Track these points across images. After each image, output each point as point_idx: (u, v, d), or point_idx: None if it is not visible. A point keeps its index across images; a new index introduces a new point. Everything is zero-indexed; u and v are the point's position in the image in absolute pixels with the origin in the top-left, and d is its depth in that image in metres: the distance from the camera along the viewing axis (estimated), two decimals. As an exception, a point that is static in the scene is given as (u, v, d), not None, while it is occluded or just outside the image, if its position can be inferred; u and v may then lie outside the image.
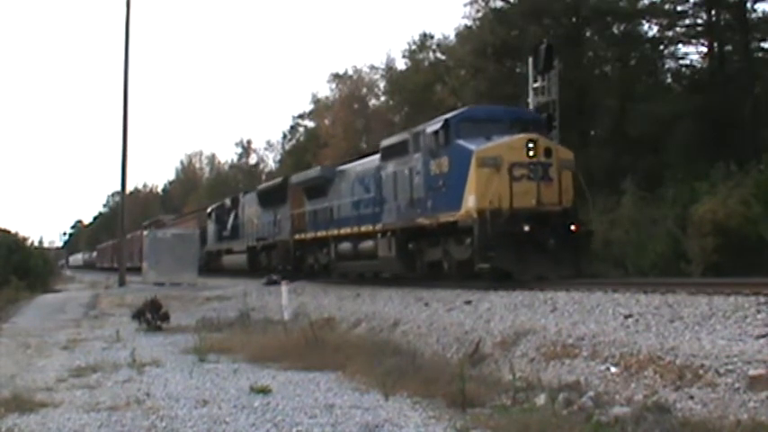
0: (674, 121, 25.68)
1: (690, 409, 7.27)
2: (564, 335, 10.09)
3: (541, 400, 8.05)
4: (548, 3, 29.28)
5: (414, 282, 18.65)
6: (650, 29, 30.87)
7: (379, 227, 19.36)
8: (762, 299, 9.59)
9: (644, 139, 27.08)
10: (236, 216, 36.21)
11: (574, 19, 30.38)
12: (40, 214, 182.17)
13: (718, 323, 9.03)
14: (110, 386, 9.90)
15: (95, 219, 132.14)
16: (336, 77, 56.22)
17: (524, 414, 7.52)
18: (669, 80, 31.42)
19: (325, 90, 68.78)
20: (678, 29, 29.15)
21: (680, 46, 30.13)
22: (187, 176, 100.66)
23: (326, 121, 56.76)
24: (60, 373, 10.98)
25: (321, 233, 23.31)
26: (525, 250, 14.93)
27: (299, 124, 68.87)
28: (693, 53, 30.18)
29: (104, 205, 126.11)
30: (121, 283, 33.96)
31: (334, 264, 22.89)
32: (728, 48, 28.16)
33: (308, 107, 65.11)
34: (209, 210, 43.25)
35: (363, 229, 20.24)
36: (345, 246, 21.57)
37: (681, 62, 30.71)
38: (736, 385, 7.25)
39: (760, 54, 27.75)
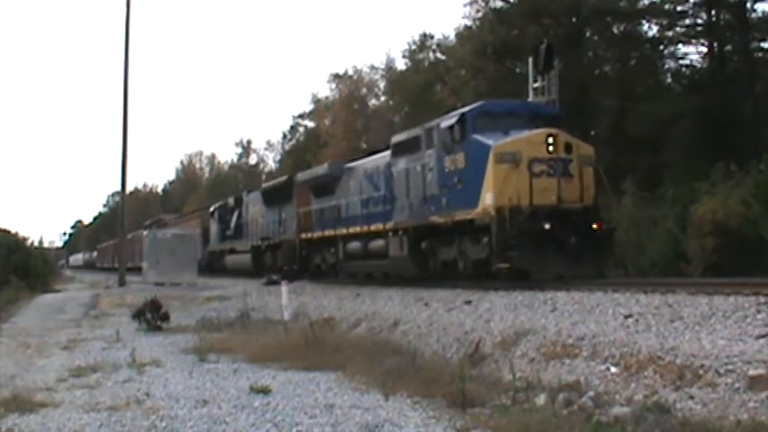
0: (674, 121, 25.66)
1: (690, 409, 7.27)
2: (564, 335, 10.09)
3: (541, 400, 8.05)
4: (548, 3, 29.26)
5: (413, 282, 18.64)
6: (650, 29, 30.92)
7: (389, 225, 18.90)
8: (762, 299, 9.59)
9: (644, 139, 27.06)
10: (239, 215, 35.86)
11: (574, 19, 30.37)
12: (40, 214, 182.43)
13: (718, 323, 9.02)
14: (110, 386, 9.90)
15: (95, 219, 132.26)
16: (336, 77, 56.29)
17: (524, 414, 7.52)
18: (669, 80, 31.41)
19: (325, 90, 68.98)
20: (678, 29, 29.15)
21: (680, 46, 30.16)
22: (187, 176, 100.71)
23: (326, 121, 56.78)
24: (60, 373, 10.98)
25: (329, 232, 22.84)
26: (545, 249, 14.51)
27: (299, 124, 68.97)
28: (693, 53, 30.21)
29: (104, 205, 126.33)
30: (121, 283, 33.99)
31: (342, 263, 22.47)
32: (728, 48, 28.15)
33: (308, 107, 65.28)
34: (211, 209, 42.74)
35: (373, 227, 19.78)
36: (354, 245, 21.15)
37: (681, 62, 30.74)
38: (736, 385, 7.25)
39: (760, 54, 27.73)
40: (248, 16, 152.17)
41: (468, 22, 38.06)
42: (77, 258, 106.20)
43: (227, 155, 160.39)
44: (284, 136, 72.94)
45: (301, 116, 67.76)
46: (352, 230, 21.16)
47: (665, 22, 29.32)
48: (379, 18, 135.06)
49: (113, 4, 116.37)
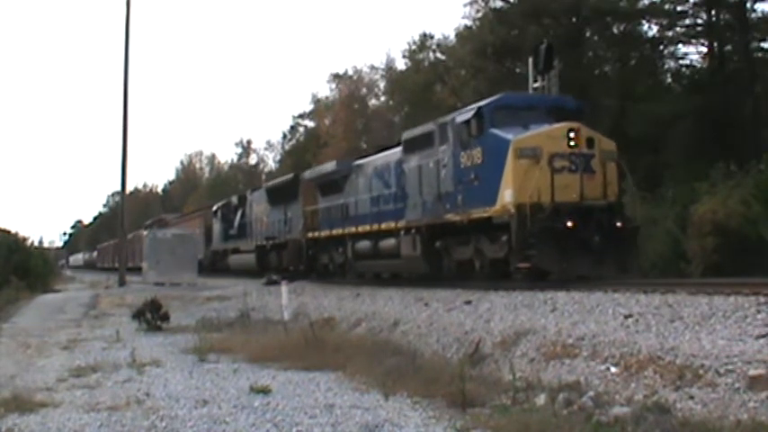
0: (674, 121, 25.68)
1: (690, 409, 7.26)
2: (564, 335, 10.08)
3: (541, 400, 8.04)
4: (548, 3, 29.29)
5: (413, 281, 18.61)
6: (650, 29, 30.97)
7: (401, 224, 18.37)
8: (762, 299, 9.59)
9: (644, 139, 27.05)
10: (243, 214, 35.36)
11: (574, 19, 30.39)
12: (40, 214, 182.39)
13: (718, 323, 9.02)
14: (110, 386, 9.89)
15: (95, 219, 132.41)
16: (336, 77, 56.39)
17: (524, 414, 7.52)
18: (669, 80, 31.45)
19: (325, 90, 69.15)
20: (678, 29, 29.20)
21: (680, 46, 30.22)
22: (187, 176, 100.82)
23: (326, 121, 56.82)
24: (60, 373, 10.97)
25: (337, 231, 22.31)
26: (568, 249, 13.94)
27: (299, 124, 69.03)
28: (693, 53, 30.27)
29: (104, 205, 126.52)
30: (121, 283, 33.99)
31: (350, 263, 21.91)
32: (728, 48, 28.18)
33: (308, 107, 65.40)
34: (214, 208, 42.17)
35: (384, 226, 19.22)
36: (364, 244, 20.62)
37: (681, 62, 30.80)
38: (736, 385, 7.25)
39: (760, 54, 27.77)
40: (248, 16, 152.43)
41: (468, 22, 38.14)
42: (77, 258, 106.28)
43: (227, 155, 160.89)
44: (284, 136, 73.09)
45: (301, 116, 67.92)
46: (361, 229, 20.64)
47: (665, 22, 29.36)
48: (379, 18, 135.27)
49: (113, 4, 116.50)
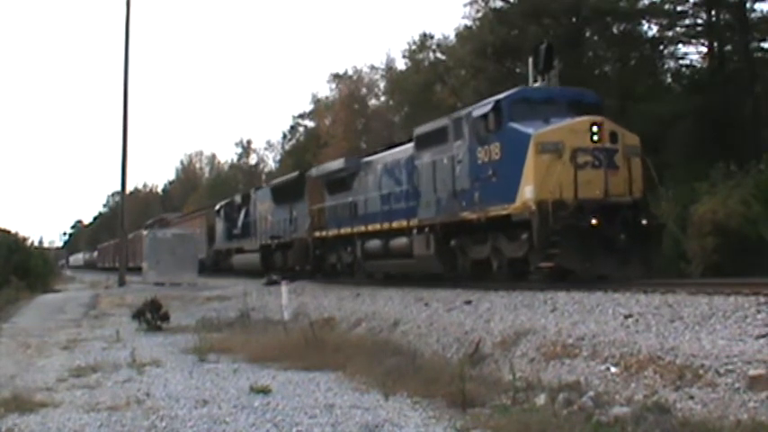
0: (674, 121, 25.67)
1: (690, 409, 7.27)
2: (564, 335, 10.09)
3: (541, 400, 8.04)
4: (548, 3, 29.28)
5: (413, 282, 18.59)
6: (650, 29, 30.96)
7: (414, 222, 17.83)
8: (762, 299, 9.60)
9: (644, 138, 26.89)
10: (247, 213, 34.77)
11: (574, 19, 30.39)
12: (40, 214, 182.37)
13: (718, 323, 9.03)
14: (110, 386, 9.89)
15: (95, 219, 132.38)
16: (336, 77, 56.41)
17: (524, 414, 7.52)
18: (669, 80, 31.44)
19: (325, 90, 69.20)
20: (678, 29, 29.20)
21: (680, 46, 30.22)
22: (187, 176, 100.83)
23: (326, 121, 56.84)
24: (60, 373, 10.98)
25: (345, 230, 21.70)
26: (592, 247, 13.46)
27: (299, 124, 69.06)
28: (693, 53, 30.27)
29: (104, 205, 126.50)
30: (121, 283, 33.98)
31: (360, 263, 21.34)
32: (728, 48, 28.18)
33: (308, 107, 65.42)
34: (217, 207, 41.46)
35: (395, 224, 18.68)
36: (374, 243, 20.03)
37: (681, 62, 30.80)
38: (736, 385, 7.25)
39: (760, 54, 27.76)
40: (248, 16, 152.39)
41: (468, 22, 38.11)
42: (78, 258, 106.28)
43: (227, 155, 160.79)
44: (284, 136, 73.12)
45: (301, 116, 67.95)
46: (371, 228, 20.03)
47: (665, 22, 29.36)
48: (379, 18, 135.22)
49: (113, 4, 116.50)
